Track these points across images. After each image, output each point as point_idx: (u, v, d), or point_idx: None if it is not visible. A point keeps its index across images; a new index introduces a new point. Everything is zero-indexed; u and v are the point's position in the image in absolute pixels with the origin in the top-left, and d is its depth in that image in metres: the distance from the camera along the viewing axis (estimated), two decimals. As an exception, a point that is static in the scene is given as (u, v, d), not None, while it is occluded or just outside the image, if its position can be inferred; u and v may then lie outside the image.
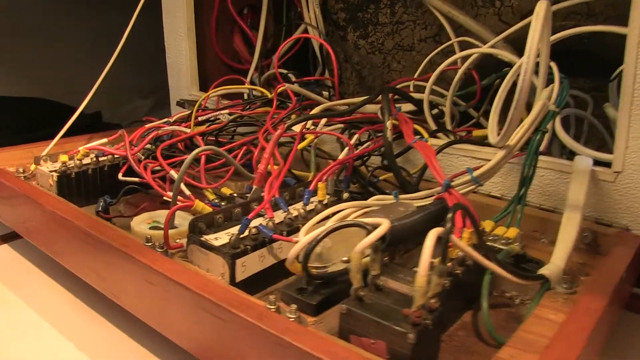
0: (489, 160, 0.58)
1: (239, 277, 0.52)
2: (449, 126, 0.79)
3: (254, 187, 0.60)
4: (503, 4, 0.89)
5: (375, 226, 0.44)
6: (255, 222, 0.56)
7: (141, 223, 0.65)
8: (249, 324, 0.40)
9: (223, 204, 0.71)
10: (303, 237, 0.45)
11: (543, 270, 0.51)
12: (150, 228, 0.63)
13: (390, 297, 0.45)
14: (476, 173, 0.61)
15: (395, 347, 0.41)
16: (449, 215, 0.43)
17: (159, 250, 0.53)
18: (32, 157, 0.77)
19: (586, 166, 0.63)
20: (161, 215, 0.67)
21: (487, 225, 0.61)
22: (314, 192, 0.60)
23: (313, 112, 0.67)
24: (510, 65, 0.81)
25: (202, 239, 0.52)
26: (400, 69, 1.03)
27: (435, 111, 0.83)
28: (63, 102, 1.49)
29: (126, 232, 0.59)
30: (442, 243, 0.42)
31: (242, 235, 0.52)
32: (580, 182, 0.62)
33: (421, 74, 0.93)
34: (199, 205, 0.57)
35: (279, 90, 0.73)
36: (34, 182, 0.76)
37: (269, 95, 0.82)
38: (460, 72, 0.77)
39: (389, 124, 0.65)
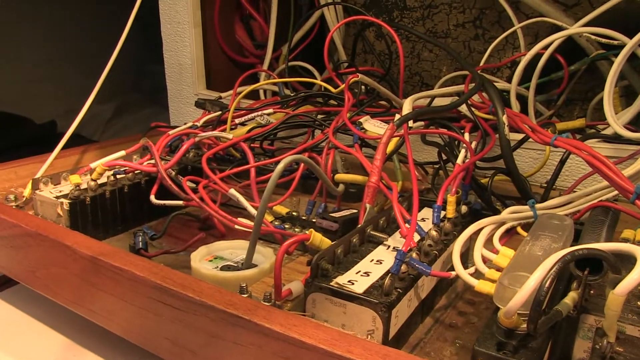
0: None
1: (392, 332, 0.38)
2: (533, 120, 0.68)
3: (367, 205, 0.45)
4: (559, -18, 0.79)
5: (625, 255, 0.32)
6: (380, 254, 0.43)
7: (202, 261, 0.49)
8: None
9: (287, 226, 0.57)
10: (529, 281, 0.31)
11: None
12: (221, 269, 0.48)
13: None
14: (626, 173, 0.50)
15: None
16: None
17: (268, 304, 0.39)
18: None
19: None
20: (223, 248, 0.52)
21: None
22: (443, 207, 0.47)
23: (406, 107, 0.54)
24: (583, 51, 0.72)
25: (333, 285, 0.38)
26: (432, 58, 0.91)
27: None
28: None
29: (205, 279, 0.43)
30: None
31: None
32: None
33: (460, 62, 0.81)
34: (316, 237, 0.43)
35: (352, 81, 0.59)
36: (31, 212, 0.58)
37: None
38: (545, 56, 0.66)
39: (505, 118, 0.53)
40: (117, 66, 1.43)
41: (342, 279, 0.39)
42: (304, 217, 0.59)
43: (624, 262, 0.34)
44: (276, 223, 0.58)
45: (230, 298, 0.37)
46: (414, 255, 0.40)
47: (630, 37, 0.59)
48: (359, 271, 0.40)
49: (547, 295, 0.31)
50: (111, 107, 1.43)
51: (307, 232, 0.54)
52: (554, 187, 0.62)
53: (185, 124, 0.67)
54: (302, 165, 0.59)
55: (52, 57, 1.48)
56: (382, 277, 0.39)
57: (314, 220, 0.56)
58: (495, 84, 0.74)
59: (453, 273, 0.40)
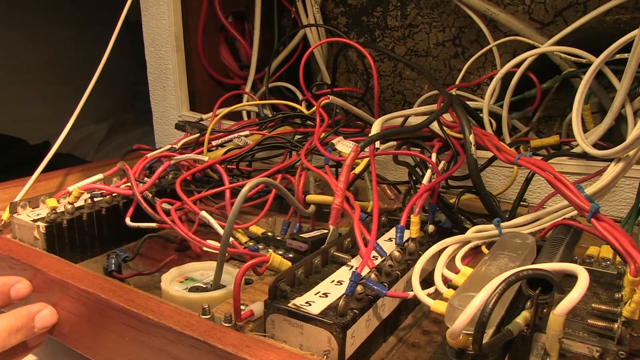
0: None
1: (349, 352, 0.38)
2: (508, 138, 0.69)
3: (331, 227, 0.46)
4: (534, 0, 0.80)
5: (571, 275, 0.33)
6: (342, 275, 0.44)
7: (172, 283, 0.50)
8: None
9: (261, 246, 0.58)
10: (473, 302, 0.32)
11: None
12: (190, 290, 0.49)
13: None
14: (589, 190, 0.51)
15: None
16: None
17: (228, 325, 0.39)
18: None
19: None
20: (194, 269, 0.52)
21: (604, 251, 0.50)
22: (407, 228, 0.48)
23: (374, 128, 0.55)
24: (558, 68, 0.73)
25: (291, 306, 0.39)
26: (414, 77, 0.93)
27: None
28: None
29: (166, 299, 0.44)
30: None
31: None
32: None
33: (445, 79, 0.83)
34: (276, 259, 0.44)
35: (323, 103, 0.60)
36: (9, 235, 0.59)
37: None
38: (517, 74, 0.67)
39: (471, 138, 0.54)
40: (111, 86, 1.44)
41: (300, 300, 0.39)
42: (278, 238, 0.59)
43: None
44: (251, 244, 0.58)
45: (188, 320, 0.38)
46: (373, 276, 0.41)
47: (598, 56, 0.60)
48: (318, 292, 0.41)
49: (489, 316, 0.32)
50: (105, 126, 1.45)
51: (279, 252, 0.55)
52: (527, 204, 0.63)
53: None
54: (277, 185, 0.60)
55: (49, 78, 1.51)
56: (340, 298, 0.40)
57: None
58: (474, 102, 0.76)
59: (411, 293, 0.41)
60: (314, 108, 0.61)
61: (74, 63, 1.48)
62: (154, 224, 0.56)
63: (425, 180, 0.51)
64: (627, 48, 0.54)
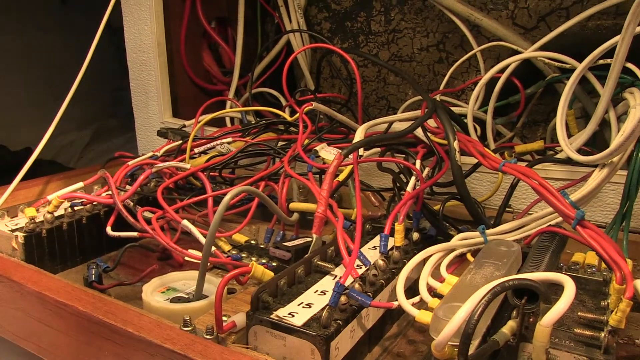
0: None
1: (332, 364, 0.38)
2: (492, 144, 0.68)
3: (315, 235, 0.46)
4: (517, 6, 0.80)
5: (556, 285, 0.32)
6: (325, 284, 0.43)
7: (154, 293, 0.49)
8: None
9: (244, 255, 0.57)
10: (459, 313, 0.32)
11: None
12: (172, 301, 0.48)
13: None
14: (574, 197, 0.51)
15: None
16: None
17: (210, 337, 0.39)
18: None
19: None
20: (176, 279, 0.51)
21: (590, 258, 0.50)
22: (391, 235, 0.47)
23: (357, 135, 0.54)
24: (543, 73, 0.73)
25: (273, 317, 0.38)
26: (399, 82, 0.92)
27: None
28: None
29: (146, 311, 0.43)
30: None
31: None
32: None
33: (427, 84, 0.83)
34: (258, 269, 0.43)
35: (306, 109, 0.60)
36: (-14, 246, 0.57)
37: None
38: (501, 80, 0.67)
39: (455, 144, 0.53)
40: (95, 92, 1.42)
41: (282, 311, 0.39)
42: (262, 246, 0.59)
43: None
44: (234, 252, 0.58)
45: (168, 333, 0.37)
46: (356, 285, 0.40)
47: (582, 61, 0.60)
48: (302, 303, 0.40)
49: (475, 327, 0.31)
50: (89, 133, 1.43)
51: (262, 261, 0.54)
52: (512, 210, 0.63)
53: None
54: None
55: (31, 83, 1.48)
56: (324, 309, 0.39)
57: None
58: (458, 108, 0.75)
59: (395, 303, 0.40)
60: (297, 114, 0.60)
61: (57, 68, 1.46)
62: (135, 233, 0.55)
63: (409, 187, 0.51)
64: (609, 54, 0.54)
